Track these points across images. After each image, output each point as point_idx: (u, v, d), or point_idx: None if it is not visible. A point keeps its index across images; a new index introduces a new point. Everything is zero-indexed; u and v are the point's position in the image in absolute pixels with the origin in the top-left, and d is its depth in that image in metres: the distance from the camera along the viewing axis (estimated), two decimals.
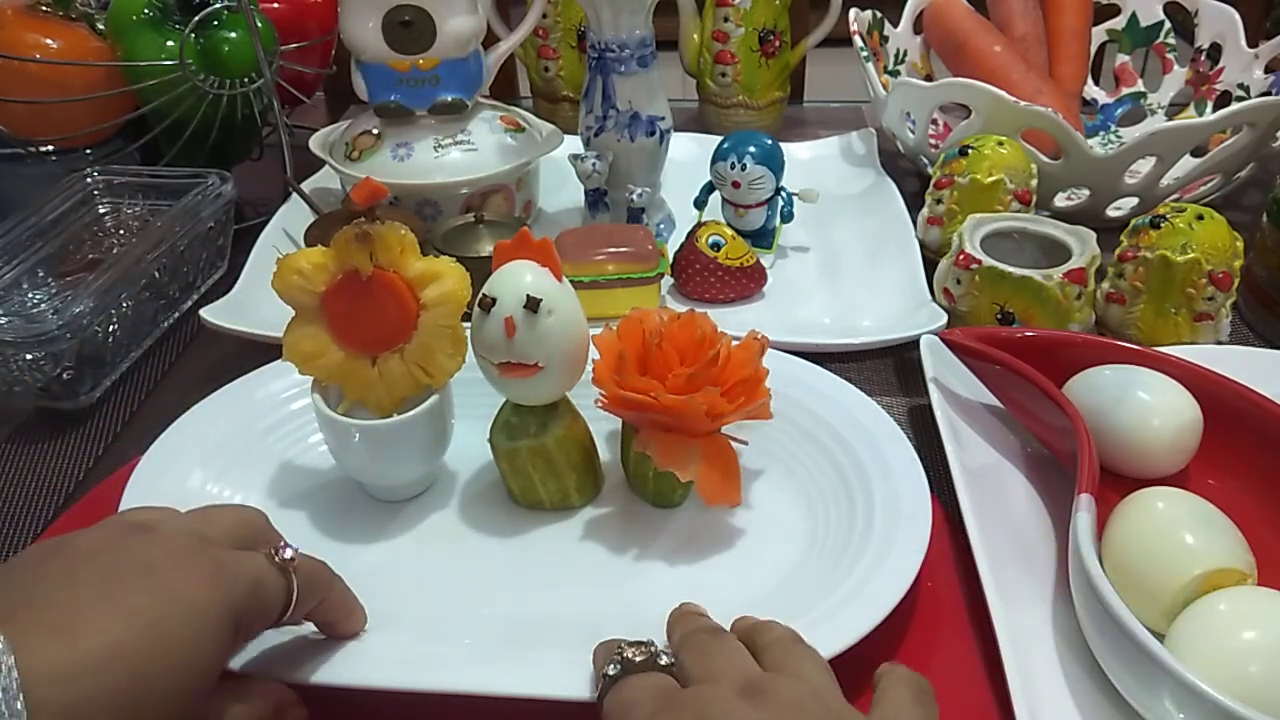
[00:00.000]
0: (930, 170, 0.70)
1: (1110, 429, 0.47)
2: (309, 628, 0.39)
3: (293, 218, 0.71)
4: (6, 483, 0.53)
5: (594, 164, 0.68)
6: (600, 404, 0.45)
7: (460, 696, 0.36)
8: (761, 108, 0.90)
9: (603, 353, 0.45)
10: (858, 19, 0.83)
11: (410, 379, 0.45)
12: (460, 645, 0.40)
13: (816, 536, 0.46)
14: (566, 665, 0.36)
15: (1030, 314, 0.57)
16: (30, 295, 0.63)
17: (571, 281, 0.45)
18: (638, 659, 0.34)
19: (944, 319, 0.59)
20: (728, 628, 0.37)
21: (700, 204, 0.71)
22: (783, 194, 0.69)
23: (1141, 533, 0.41)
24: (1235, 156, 0.69)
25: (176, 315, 0.65)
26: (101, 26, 0.73)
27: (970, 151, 0.65)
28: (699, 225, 0.65)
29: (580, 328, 0.45)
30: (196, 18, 0.70)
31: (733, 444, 0.46)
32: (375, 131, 0.69)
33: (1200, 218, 0.56)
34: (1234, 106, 0.68)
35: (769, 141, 0.68)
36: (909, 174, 0.81)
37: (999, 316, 0.58)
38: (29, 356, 0.54)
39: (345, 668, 0.38)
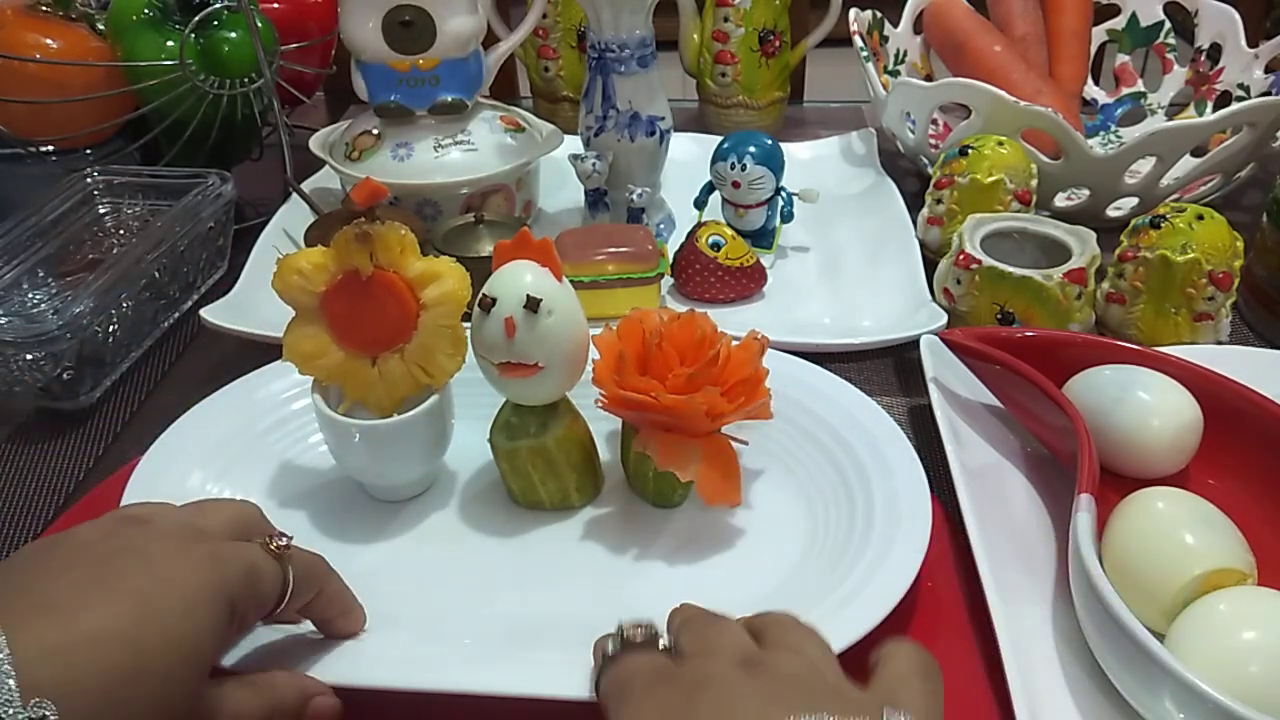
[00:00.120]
0: (930, 170, 0.70)
1: (1110, 429, 0.47)
2: (308, 627, 0.39)
3: (293, 218, 0.71)
4: (6, 483, 0.53)
5: (594, 164, 0.68)
6: (600, 404, 0.45)
7: (460, 697, 0.36)
8: (761, 108, 0.90)
9: (603, 353, 0.46)
10: (858, 19, 0.83)
11: (410, 379, 0.45)
12: (460, 645, 0.40)
13: (816, 536, 0.46)
14: (567, 665, 0.36)
15: (1030, 314, 0.57)
16: (30, 295, 0.63)
17: (571, 281, 0.45)
18: (638, 638, 0.34)
19: (944, 319, 0.59)
20: None
21: (700, 204, 0.71)
22: (783, 194, 0.69)
23: (1141, 533, 0.41)
24: (1235, 156, 0.69)
25: (176, 315, 0.65)
26: (101, 26, 0.73)
27: (970, 151, 0.65)
28: (699, 225, 0.65)
29: (580, 328, 0.45)
30: (196, 18, 0.70)
31: (733, 444, 0.46)
32: (375, 131, 0.69)
33: (1200, 218, 0.56)
34: (1234, 106, 0.68)
35: (769, 141, 0.68)
36: (909, 174, 0.81)
37: (999, 316, 0.58)
38: (29, 356, 0.54)
39: (345, 667, 0.38)
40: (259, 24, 0.71)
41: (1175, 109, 0.87)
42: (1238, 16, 0.81)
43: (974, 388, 0.54)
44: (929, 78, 0.88)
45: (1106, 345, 0.52)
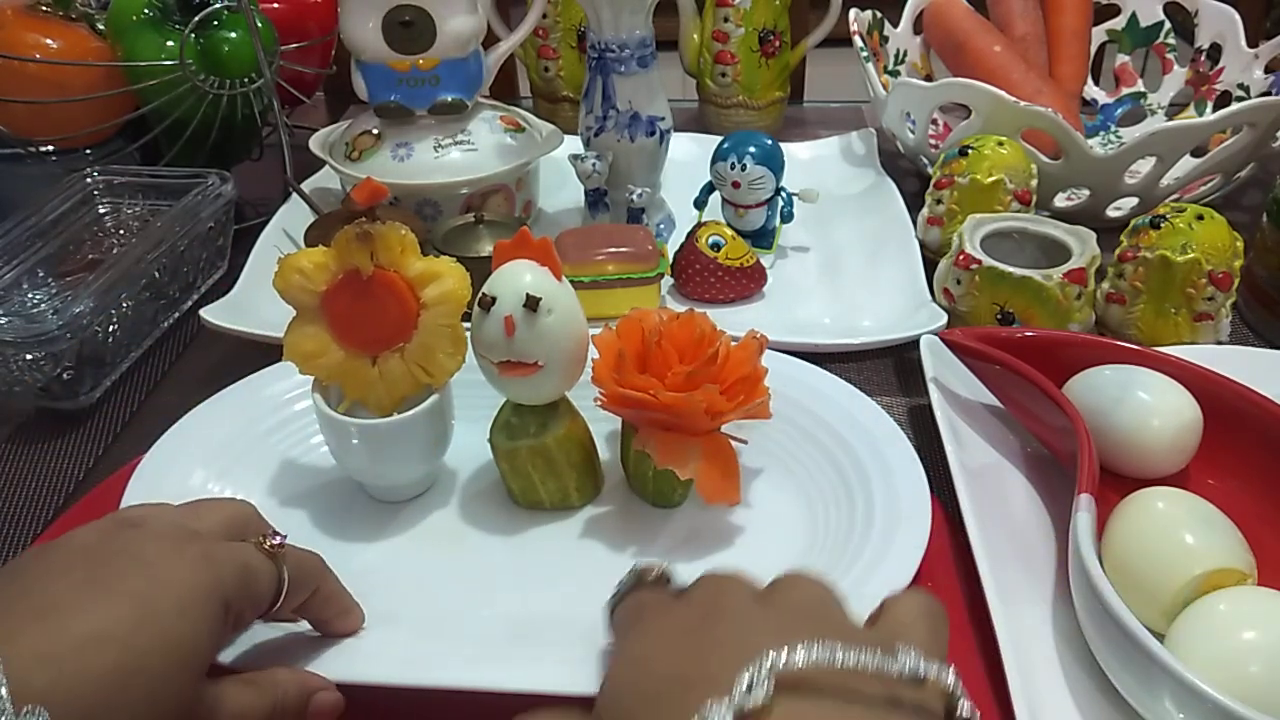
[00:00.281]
0: (930, 170, 0.70)
1: (1110, 429, 0.47)
2: (306, 626, 0.39)
3: (293, 218, 0.71)
4: (6, 483, 0.53)
5: (594, 164, 0.68)
6: (600, 403, 0.45)
7: (459, 694, 0.36)
8: (761, 108, 0.90)
9: (602, 352, 0.46)
10: (858, 19, 0.83)
11: (410, 378, 0.45)
12: (460, 643, 0.40)
13: (816, 536, 0.46)
14: (566, 663, 0.36)
15: (1030, 314, 0.57)
16: (30, 295, 0.63)
17: (571, 281, 0.45)
18: (651, 577, 0.33)
19: (944, 319, 0.59)
20: None
21: (700, 204, 0.71)
22: (783, 194, 0.69)
23: (1141, 533, 0.41)
24: (1235, 156, 0.69)
25: (176, 315, 0.65)
26: (101, 26, 0.73)
27: (970, 151, 0.65)
28: (699, 225, 0.65)
29: (580, 327, 0.45)
30: (196, 18, 0.70)
31: (732, 443, 0.46)
32: (375, 131, 0.69)
33: (1200, 218, 0.56)
34: (1234, 106, 0.68)
35: (769, 141, 0.68)
36: (909, 174, 0.81)
37: (999, 316, 0.58)
38: (29, 356, 0.54)
39: (344, 665, 0.38)
40: (259, 24, 0.71)
41: (1175, 109, 0.87)
42: (1238, 16, 0.81)
43: (974, 388, 0.54)
44: (929, 78, 0.88)
45: (1106, 345, 0.52)
